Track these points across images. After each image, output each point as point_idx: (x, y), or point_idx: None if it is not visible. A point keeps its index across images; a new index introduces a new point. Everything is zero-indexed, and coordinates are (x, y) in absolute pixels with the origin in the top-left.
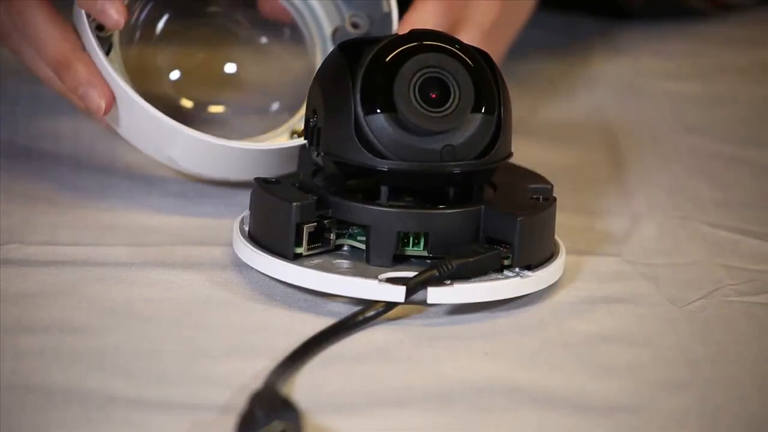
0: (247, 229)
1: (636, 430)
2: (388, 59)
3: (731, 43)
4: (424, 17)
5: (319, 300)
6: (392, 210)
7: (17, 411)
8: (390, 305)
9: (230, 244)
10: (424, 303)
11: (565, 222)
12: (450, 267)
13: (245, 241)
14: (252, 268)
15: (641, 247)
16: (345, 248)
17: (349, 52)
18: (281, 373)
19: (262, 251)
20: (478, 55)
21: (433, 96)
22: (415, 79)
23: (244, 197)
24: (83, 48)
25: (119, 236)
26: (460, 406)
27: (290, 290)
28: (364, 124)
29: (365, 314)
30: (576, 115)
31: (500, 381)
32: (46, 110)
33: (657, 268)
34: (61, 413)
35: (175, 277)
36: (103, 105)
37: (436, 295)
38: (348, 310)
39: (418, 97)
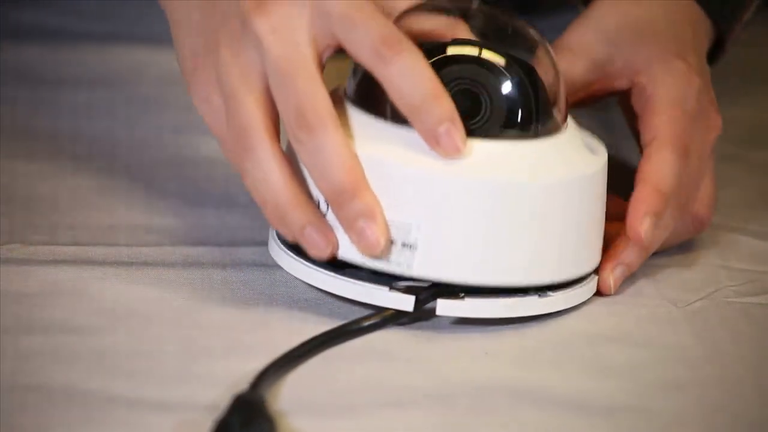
0: None
1: (636, 430)
2: None
3: (730, 44)
4: (663, 168)
5: (320, 300)
6: None
7: (17, 411)
8: (400, 313)
9: (230, 244)
10: (433, 314)
11: None
12: None
13: (275, 237)
14: (251, 267)
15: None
16: None
17: None
18: (273, 374)
19: (286, 248)
20: (520, 69)
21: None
22: (446, 90)
23: (246, 198)
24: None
25: (119, 236)
26: (460, 406)
27: (291, 290)
28: None
29: (370, 320)
30: (577, 114)
31: (500, 381)
32: (46, 110)
33: (657, 268)
34: (62, 413)
35: (176, 277)
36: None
37: (445, 307)
38: (351, 310)
39: None
